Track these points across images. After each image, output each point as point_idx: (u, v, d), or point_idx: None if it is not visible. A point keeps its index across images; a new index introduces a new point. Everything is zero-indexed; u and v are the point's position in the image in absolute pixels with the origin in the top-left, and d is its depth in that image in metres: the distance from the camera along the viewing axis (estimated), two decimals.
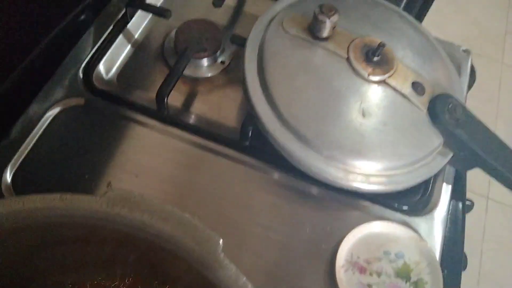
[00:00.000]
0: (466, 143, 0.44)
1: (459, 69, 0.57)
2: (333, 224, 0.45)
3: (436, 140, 0.45)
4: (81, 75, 0.51)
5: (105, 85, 0.52)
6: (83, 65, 0.52)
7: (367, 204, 0.46)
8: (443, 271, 0.42)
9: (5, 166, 0.44)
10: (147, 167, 0.46)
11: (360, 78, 0.45)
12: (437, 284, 0.41)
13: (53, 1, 0.54)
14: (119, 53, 0.55)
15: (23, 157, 0.45)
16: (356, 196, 0.46)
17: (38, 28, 0.53)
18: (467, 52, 0.59)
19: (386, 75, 0.45)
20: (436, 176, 0.47)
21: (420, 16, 0.78)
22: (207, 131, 0.49)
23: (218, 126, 0.50)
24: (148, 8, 0.56)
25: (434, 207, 0.46)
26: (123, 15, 0.56)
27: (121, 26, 0.55)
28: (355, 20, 0.49)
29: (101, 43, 0.54)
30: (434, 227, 0.45)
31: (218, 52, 0.55)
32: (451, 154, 0.46)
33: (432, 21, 0.74)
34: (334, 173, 0.42)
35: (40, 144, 0.46)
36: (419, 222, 0.45)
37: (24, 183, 0.44)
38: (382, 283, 0.41)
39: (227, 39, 0.55)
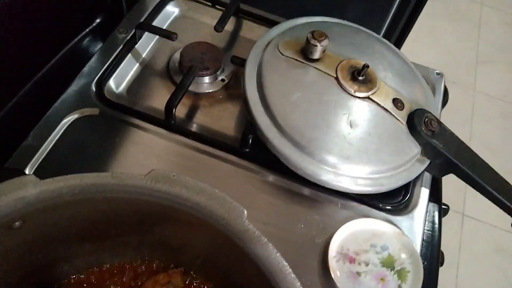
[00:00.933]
0: (441, 152, 0.50)
1: (433, 89, 0.63)
2: (325, 221, 0.49)
3: (414, 148, 0.51)
4: (94, 88, 0.55)
5: (116, 98, 0.56)
6: (95, 80, 0.56)
7: (355, 204, 0.51)
8: (423, 263, 0.46)
9: (26, 166, 0.47)
10: None
11: (348, 94, 0.50)
12: (418, 273, 0.45)
13: (68, 20, 0.58)
14: (128, 70, 0.60)
15: (42, 158, 0.49)
16: (345, 196, 0.51)
17: (53, 44, 0.58)
18: (440, 74, 0.66)
19: (370, 92, 0.50)
20: (415, 180, 0.53)
21: (398, 44, 0.86)
22: (210, 139, 0.53)
23: (219, 135, 0.55)
24: (155, 30, 0.62)
25: (414, 207, 0.51)
26: (132, 36, 0.61)
27: (130, 46, 0.60)
28: (342, 44, 0.55)
29: (112, 61, 0.58)
30: (414, 224, 0.50)
31: (219, 71, 0.60)
32: (428, 162, 0.51)
33: (409, 50, 0.80)
34: (325, 175, 0.47)
35: (57, 147, 0.50)
36: (401, 220, 0.50)
37: None
38: (370, 271, 0.45)
39: (227, 59, 0.60)
